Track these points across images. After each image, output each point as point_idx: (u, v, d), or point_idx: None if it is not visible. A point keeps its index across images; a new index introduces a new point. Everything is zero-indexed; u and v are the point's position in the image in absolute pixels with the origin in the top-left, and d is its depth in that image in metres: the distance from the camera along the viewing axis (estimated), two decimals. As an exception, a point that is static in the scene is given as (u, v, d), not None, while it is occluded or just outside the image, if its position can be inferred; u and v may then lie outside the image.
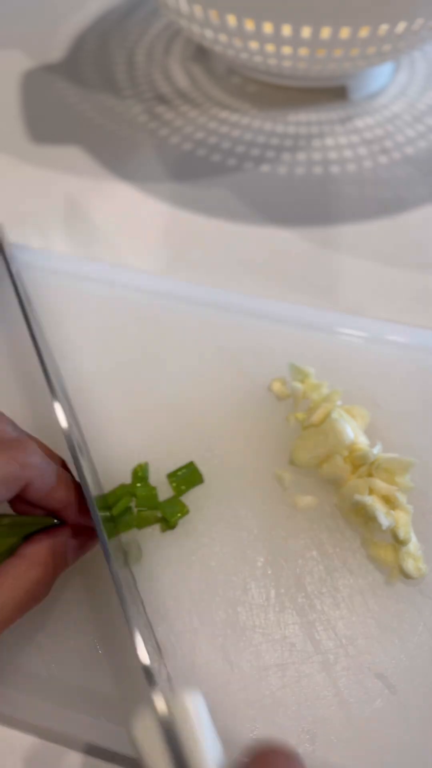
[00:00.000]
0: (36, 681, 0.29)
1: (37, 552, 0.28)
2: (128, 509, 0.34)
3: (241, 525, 0.33)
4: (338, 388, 0.36)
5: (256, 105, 0.58)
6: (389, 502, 0.32)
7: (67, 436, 0.31)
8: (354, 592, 0.31)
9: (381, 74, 0.59)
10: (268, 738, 0.28)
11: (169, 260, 0.47)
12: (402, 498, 0.32)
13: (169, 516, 0.33)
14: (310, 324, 0.41)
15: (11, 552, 0.28)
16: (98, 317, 0.42)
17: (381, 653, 0.30)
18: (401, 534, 0.31)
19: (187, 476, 0.35)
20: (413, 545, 0.31)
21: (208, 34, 0.50)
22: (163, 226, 0.49)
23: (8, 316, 0.42)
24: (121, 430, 0.37)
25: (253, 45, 0.49)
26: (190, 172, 0.53)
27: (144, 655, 0.25)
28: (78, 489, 0.30)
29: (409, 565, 0.31)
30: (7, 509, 0.29)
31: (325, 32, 0.45)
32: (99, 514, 0.29)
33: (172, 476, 0.35)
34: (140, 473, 0.35)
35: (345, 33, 0.45)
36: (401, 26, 0.46)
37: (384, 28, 0.45)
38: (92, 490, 0.30)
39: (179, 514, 0.33)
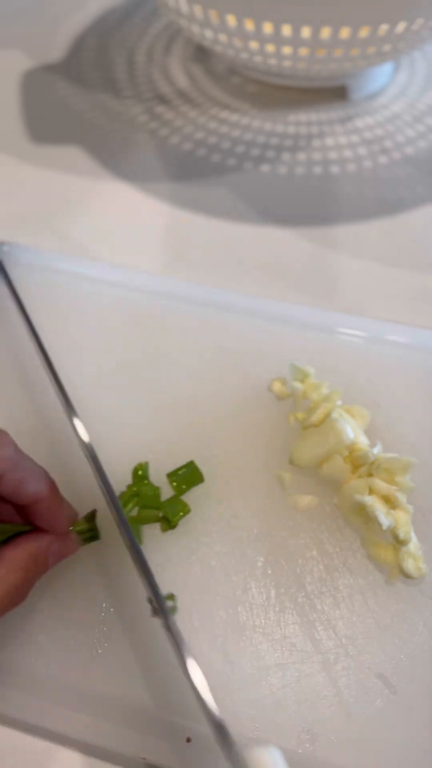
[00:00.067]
0: (36, 681, 0.29)
1: (18, 556, 0.27)
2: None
3: (241, 525, 0.33)
4: (338, 388, 0.36)
5: (256, 105, 0.58)
6: (389, 502, 0.32)
7: (90, 449, 0.32)
8: (354, 591, 0.31)
9: (381, 74, 0.59)
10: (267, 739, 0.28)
11: (169, 260, 0.47)
12: (402, 498, 0.32)
13: (170, 515, 0.33)
14: (310, 324, 0.41)
15: None
16: (98, 317, 0.42)
17: (381, 653, 0.30)
18: (401, 534, 0.31)
19: (188, 476, 0.35)
20: (413, 545, 0.31)
21: (208, 34, 0.50)
22: (163, 226, 0.49)
23: (8, 316, 0.42)
24: (121, 429, 0.37)
25: (253, 45, 0.49)
26: (190, 172, 0.53)
27: (217, 716, 0.23)
28: (54, 487, 0.29)
29: (409, 565, 0.31)
30: None
31: (325, 32, 0.45)
32: (129, 526, 0.29)
33: (172, 476, 0.35)
34: (140, 472, 0.35)
35: (345, 33, 0.46)
36: (401, 26, 0.46)
37: (384, 28, 0.45)
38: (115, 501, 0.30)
39: (181, 514, 0.33)
